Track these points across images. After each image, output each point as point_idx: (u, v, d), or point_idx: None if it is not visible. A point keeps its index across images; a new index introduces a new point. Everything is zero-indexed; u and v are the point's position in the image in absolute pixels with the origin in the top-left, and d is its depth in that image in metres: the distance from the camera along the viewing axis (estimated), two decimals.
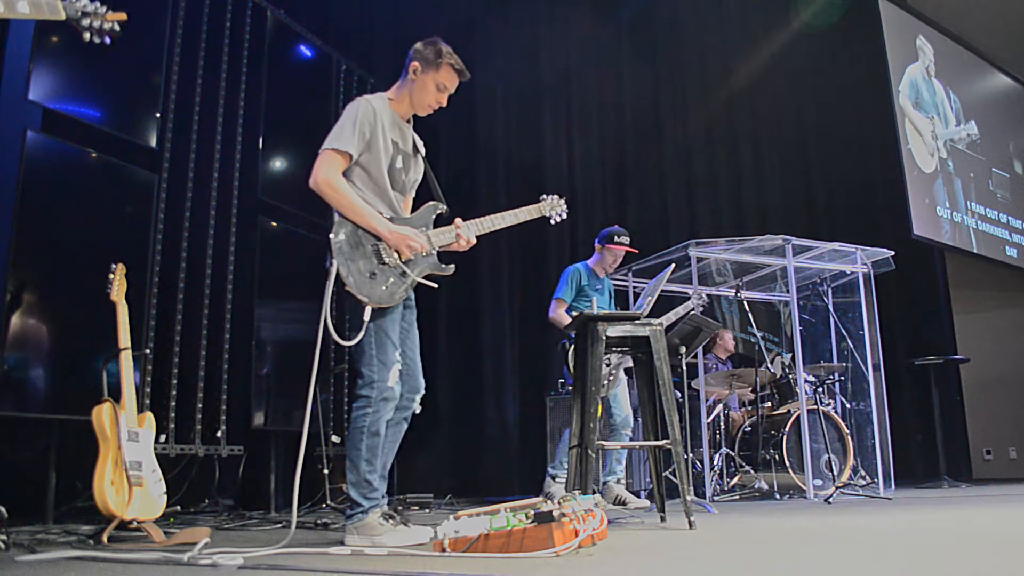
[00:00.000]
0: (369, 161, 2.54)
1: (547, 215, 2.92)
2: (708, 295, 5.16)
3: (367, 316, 2.41)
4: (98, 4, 1.83)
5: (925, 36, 7.91)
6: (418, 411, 2.66)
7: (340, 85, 5.73)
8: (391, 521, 2.43)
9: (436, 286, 2.59)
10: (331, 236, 2.41)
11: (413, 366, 2.65)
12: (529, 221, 2.87)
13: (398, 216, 2.59)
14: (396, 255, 2.50)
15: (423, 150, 2.77)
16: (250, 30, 4.91)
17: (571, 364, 4.12)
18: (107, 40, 1.84)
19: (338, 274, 2.37)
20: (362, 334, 2.42)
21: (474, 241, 2.66)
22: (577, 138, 7.50)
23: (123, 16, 1.84)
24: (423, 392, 2.67)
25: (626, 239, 4.56)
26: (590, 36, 7.59)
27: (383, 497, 2.48)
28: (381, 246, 2.48)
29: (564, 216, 2.94)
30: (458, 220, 2.65)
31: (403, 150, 2.65)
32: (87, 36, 1.81)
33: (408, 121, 2.71)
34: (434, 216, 2.66)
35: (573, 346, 4.12)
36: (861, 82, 7.80)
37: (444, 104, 2.67)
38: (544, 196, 2.94)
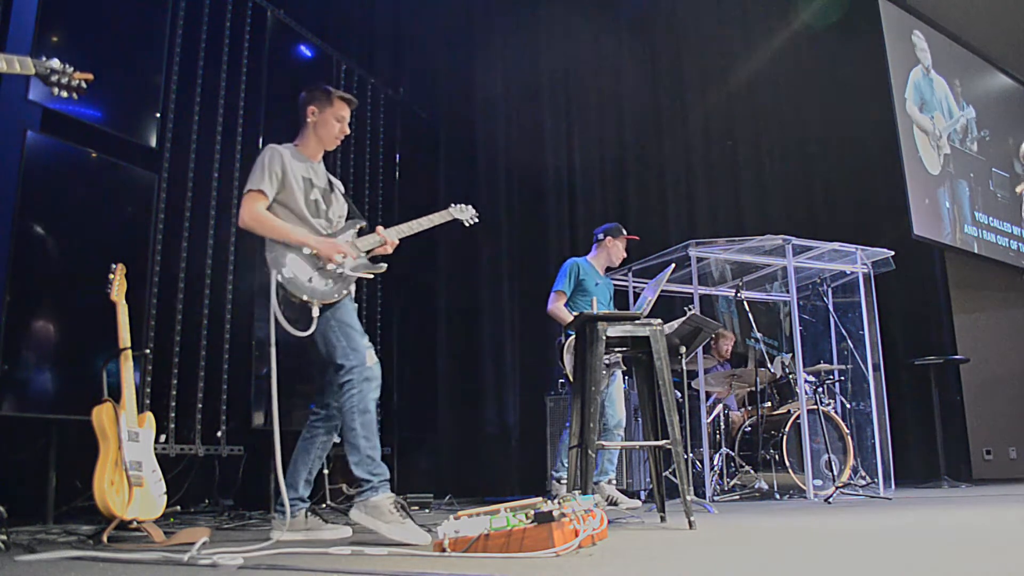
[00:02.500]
0: (287, 197, 2.83)
1: (458, 217, 3.30)
2: (708, 295, 5.16)
3: (315, 313, 2.70)
4: (66, 65, 2.07)
5: (921, 32, 7.90)
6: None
7: (340, 85, 5.73)
8: (401, 512, 2.55)
9: (372, 277, 2.99)
10: (267, 254, 2.72)
11: None
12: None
13: (323, 234, 2.90)
14: (340, 257, 2.80)
15: (341, 187, 3.10)
16: (250, 30, 4.91)
17: (564, 361, 4.14)
18: (74, 95, 2.09)
19: (279, 284, 2.67)
20: (314, 327, 2.69)
21: (396, 242, 3.01)
22: (577, 138, 7.50)
23: (89, 76, 2.10)
24: None
25: (626, 232, 4.62)
26: (590, 36, 7.58)
27: (386, 480, 2.69)
28: (313, 255, 2.78)
29: (476, 220, 3.37)
30: (379, 227, 3.01)
31: (317, 186, 2.94)
32: (55, 90, 2.06)
33: (319, 162, 3.02)
34: (355, 229, 2.98)
35: (567, 342, 4.14)
36: (861, 82, 7.79)
37: (347, 132, 3.02)
38: (453, 204, 3.30)
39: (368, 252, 2.97)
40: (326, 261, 2.76)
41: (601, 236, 4.68)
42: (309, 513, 2.89)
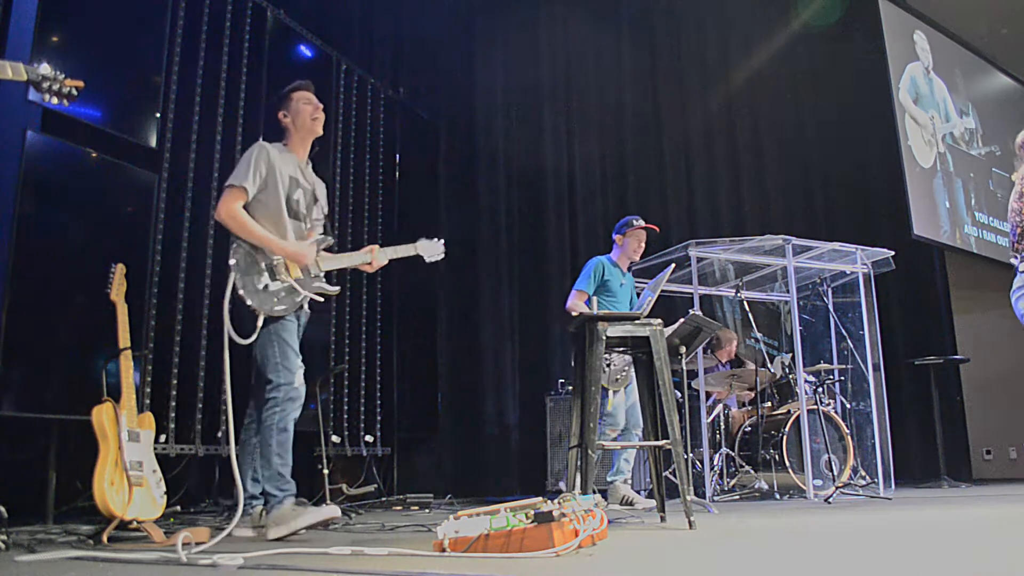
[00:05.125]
0: (267, 196, 2.92)
1: (423, 254, 3.30)
2: (708, 295, 5.16)
3: (260, 323, 2.77)
4: (57, 72, 2.09)
5: (923, 33, 7.90)
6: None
7: (340, 85, 5.73)
8: (301, 506, 2.72)
9: (323, 300, 3.03)
10: (230, 259, 2.81)
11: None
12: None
13: (293, 240, 2.97)
14: (286, 272, 2.88)
15: (324, 197, 3.17)
16: (250, 30, 4.90)
17: None
18: (64, 102, 2.12)
19: (234, 286, 2.75)
20: (255, 336, 2.76)
21: (384, 263, 3.14)
22: (577, 138, 7.50)
23: (80, 84, 2.14)
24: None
25: (642, 222, 4.58)
26: (590, 36, 7.58)
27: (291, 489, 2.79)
28: (275, 264, 2.87)
29: (441, 256, 3.33)
30: (374, 247, 3.15)
31: (302, 185, 3.04)
32: (46, 97, 2.09)
33: (307, 163, 3.12)
34: (323, 246, 3.06)
35: None
36: (861, 82, 7.80)
37: (320, 108, 3.10)
38: (423, 239, 3.32)
39: (325, 272, 3.04)
40: (293, 265, 2.87)
41: (614, 235, 4.66)
42: (264, 511, 2.89)
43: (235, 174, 2.90)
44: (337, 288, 3.08)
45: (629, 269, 4.70)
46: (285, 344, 2.83)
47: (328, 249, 3.10)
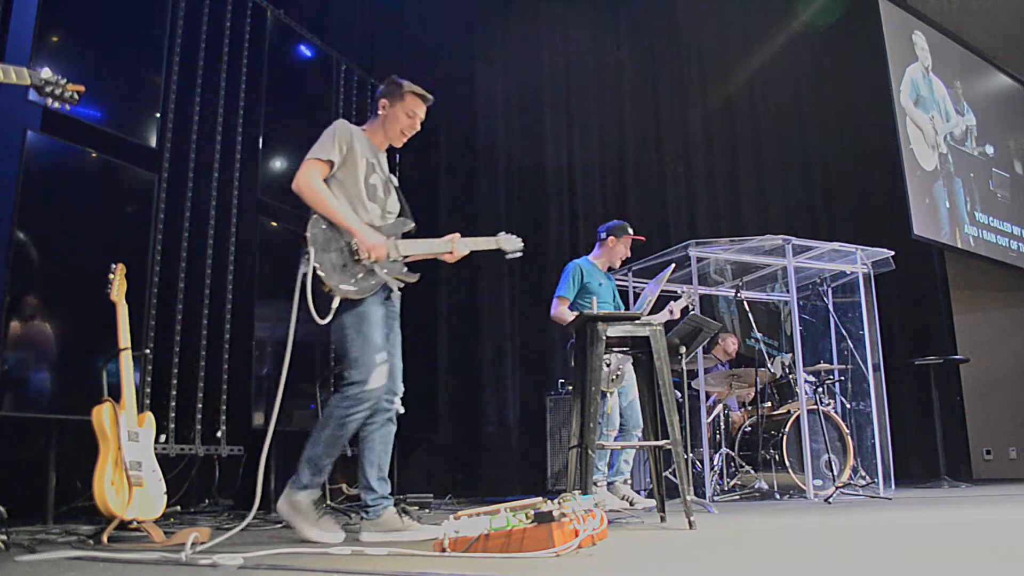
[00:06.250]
0: (346, 175, 2.77)
1: (503, 247, 3.13)
2: (708, 295, 5.15)
3: (335, 304, 2.61)
4: (59, 77, 2.13)
5: (921, 32, 7.91)
6: (401, 411, 2.82)
7: (340, 85, 5.73)
8: (319, 511, 2.62)
9: (401, 286, 2.85)
10: (307, 232, 2.64)
11: (394, 369, 2.81)
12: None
13: (372, 224, 2.80)
14: (366, 254, 2.69)
15: (396, 184, 3.00)
16: (250, 30, 4.90)
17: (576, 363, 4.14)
18: (66, 106, 2.16)
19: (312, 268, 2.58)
20: (330, 318, 2.61)
21: (465, 253, 2.95)
22: (577, 138, 7.50)
23: (81, 88, 2.16)
24: (401, 393, 2.84)
25: (631, 231, 4.58)
26: (590, 36, 7.58)
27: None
28: (353, 244, 2.69)
29: (520, 253, 3.15)
30: (456, 235, 2.95)
31: (379, 171, 2.89)
32: (48, 101, 2.13)
33: (383, 152, 2.96)
34: (403, 230, 2.89)
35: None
36: (861, 82, 7.80)
37: (417, 128, 2.93)
38: (503, 232, 3.17)
39: (407, 257, 2.86)
40: (362, 253, 2.67)
41: (604, 235, 4.61)
42: (402, 513, 2.74)
43: (316, 148, 2.73)
44: (417, 275, 2.86)
45: (610, 270, 4.67)
46: (366, 337, 2.64)
47: (406, 235, 2.90)
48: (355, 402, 2.61)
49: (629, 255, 4.67)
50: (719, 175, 7.97)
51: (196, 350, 4.32)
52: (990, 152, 8.27)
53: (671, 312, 4.53)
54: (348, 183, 2.76)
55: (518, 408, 6.68)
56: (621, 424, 4.42)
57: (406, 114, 2.89)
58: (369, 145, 2.87)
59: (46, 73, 2.10)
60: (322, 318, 2.60)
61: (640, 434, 4.39)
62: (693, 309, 4.75)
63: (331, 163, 2.70)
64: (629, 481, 4.52)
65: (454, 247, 2.91)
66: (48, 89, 2.10)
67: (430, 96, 2.93)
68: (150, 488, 2.70)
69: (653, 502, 4.35)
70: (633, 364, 3.42)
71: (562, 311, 4.41)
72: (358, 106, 5.89)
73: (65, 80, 2.13)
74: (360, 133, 2.85)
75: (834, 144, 8.10)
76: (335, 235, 2.67)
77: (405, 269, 2.85)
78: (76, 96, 2.15)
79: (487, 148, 7.13)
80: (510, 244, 3.12)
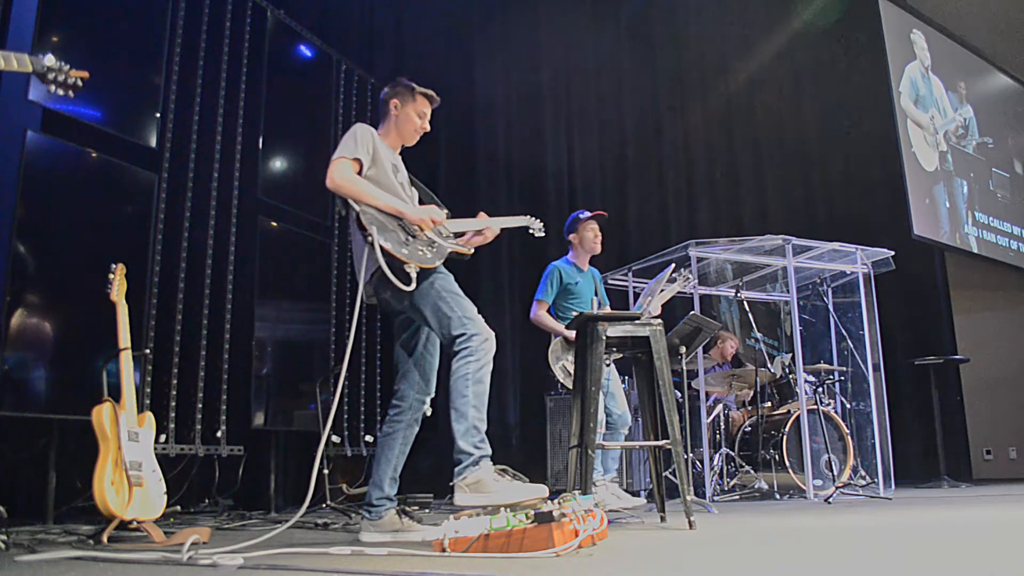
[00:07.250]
0: (377, 173, 2.76)
1: (531, 227, 3.24)
2: (708, 295, 5.14)
3: (414, 274, 2.57)
4: (62, 63, 2.08)
5: (920, 31, 7.91)
6: (428, 413, 2.86)
7: (340, 85, 5.73)
8: (504, 475, 2.48)
9: (467, 256, 2.85)
10: (361, 218, 2.60)
11: (429, 370, 2.87)
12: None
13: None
14: (420, 226, 2.70)
15: (419, 184, 3.03)
16: (250, 30, 4.91)
17: (551, 362, 4.15)
18: (70, 93, 2.10)
19: (380, 246, 2.54)
20: (413, 285, 2.57)
21: (497, 232, 2.97)
22: (577, 138, 7.50)
23: (85, 74, 2.10)
24: (432, 395, 2.89)
25: (587, 213, 4.45)
26: (590, 36, 7.58)
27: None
28: (405, 223, 2.69)
29: (542, 233, 3.26)
30: (482, 213, 2.96)
31: (400, 172, 2.91)
32: (52, 88, 2.08)
33: (398, 152, 2.97)
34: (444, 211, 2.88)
35: (551, 345, 4.17)
36: (861, 82, 7.80)
37: (427, 129, 3.00)
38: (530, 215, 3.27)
39: (456, 234, 2.89)
40: (417, 228, 2.68)
41: (567, 236, 4.53)
42: (402, 514, 2.74)
43: (342, 148, 2.73)
44: (471, 250, 2.90)
45: (591, 263, 4.58)
46: (455, 295, 2.65)
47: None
48: (482, 352, 2.58)
49: (599, 235, 4.47)
50: (719, 175, 7.97)
51: (196, 350, 4.33)
52: (990, 143, 8.26)
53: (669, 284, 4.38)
54: (381, 180, 2.76)
55: (518, 408, 6.67)
56: (609, 423, 4.41)
57: (418, 115, 2.94)
58: (386, 146, 2.90)
59: (49, 60, 2.06)
60: (407, 285, 2.55)
61: (627, 433, 4.39)
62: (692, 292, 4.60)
63: (359, 161, 2.70)
64: (617, 480, 4.51)
65: (487, 226, 2.94)
66: (51, 76, 2.06)
67: (438, 97, 2.99)
68: (150, 488, 2.70)
69: (641, 501, 4.35)
70: (633, 364, 3.42)
71: (540, 315, 4.39)
72: (358, 106, 5.89)
73: (68, 66, 2.08)
74: (378, 135, 2.87)
75: (834, 144, 8.09)
76: (387, 219, 2.67)
77: (458, 244, 2.85)
78: (80, 83, 2.10)
79: (487, 148, 7.13)
80: (534, 224, 3.23)
